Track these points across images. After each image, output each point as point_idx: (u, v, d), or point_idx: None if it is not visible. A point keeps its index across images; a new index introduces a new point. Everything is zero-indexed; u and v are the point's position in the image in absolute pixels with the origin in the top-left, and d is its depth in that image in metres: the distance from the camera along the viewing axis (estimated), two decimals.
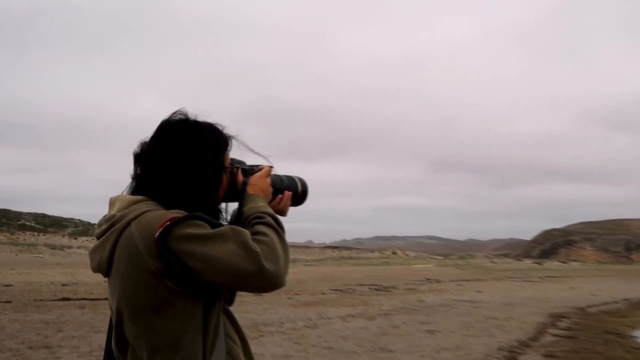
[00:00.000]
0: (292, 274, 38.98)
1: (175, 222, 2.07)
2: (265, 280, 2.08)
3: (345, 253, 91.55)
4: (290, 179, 2.68)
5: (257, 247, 2.08)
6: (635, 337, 17.46)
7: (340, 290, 27.81)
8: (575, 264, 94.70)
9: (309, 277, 36.88)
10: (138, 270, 2.09)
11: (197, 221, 2.10)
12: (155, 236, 2.06)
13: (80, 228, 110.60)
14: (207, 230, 2.09)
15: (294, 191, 2.64)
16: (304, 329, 14.71)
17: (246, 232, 2.12)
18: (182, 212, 2.15)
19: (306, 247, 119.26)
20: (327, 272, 42.66)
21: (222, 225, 2.16)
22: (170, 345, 2.12)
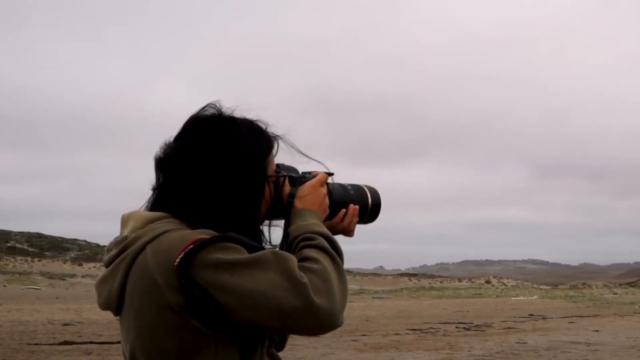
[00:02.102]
0: (359, 308, 39.17)
1: (201, 245, 1.96)
2: (316, 319, 1.94)
3: (425, 282, 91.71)
4: (358, 189, 2.55)
5: (304, 277, 1.95)
6: None
7: (420, 330, 27.76)
8: None
9: (379, 312, 36.96)
10: (155, 307, 1.99)
11: (229, 243, 1.99)
12: (175, 263, 1.95)
13: (86, 252, 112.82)
14: (241, 255, 1.98)
15: (362, 205, 2.51)
16: None
17: (292, 258, 2.00)
18: (211, 232, 2.03)
19: (376, 274, 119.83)
20: (403, 307, 42.71)
21: (262, 248, 2.05)
22: None
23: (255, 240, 2.16)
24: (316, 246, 2.10)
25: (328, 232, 2.21)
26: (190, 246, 1.95)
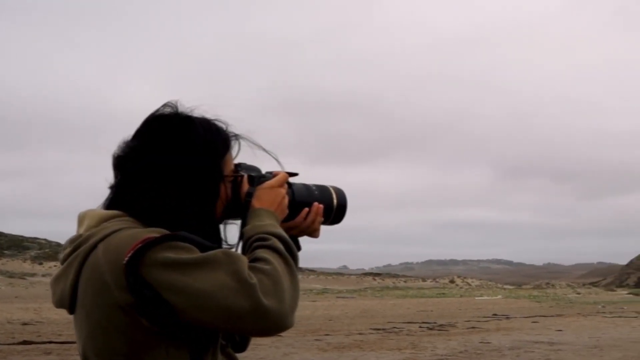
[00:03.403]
0: (322, 308, 39.11)
1: (150, 244, 1.96)
2: (264, 320, 1.96)
3: (389, 282, 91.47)
4: (322, 189, 2.54)
5: (253, 278, 1.95)
6: None
7: (383, 330, 27.76)
8: None
9: (343, 312, 36.93)
10: (105, 306, 1.99)
11: (179, 242, 1.99)
12: (124, 262, 1.94)
13: (46, 250, 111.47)
14: (192, 254, 1.97)
15: (327, 205, 2.49)
16: None
17: (242, 259, 2.01)
18: (163, 231, 2.03)
19: (340, 274, 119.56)
20: (366, 306, 42.66)
21: (214, 248, 2.04)
22: None
23: (210, 239, 2.14)
24: (269, 247, 2.10)
25: (283, 233, 2.20)
26: (140, 245, 1.94)
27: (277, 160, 2.42)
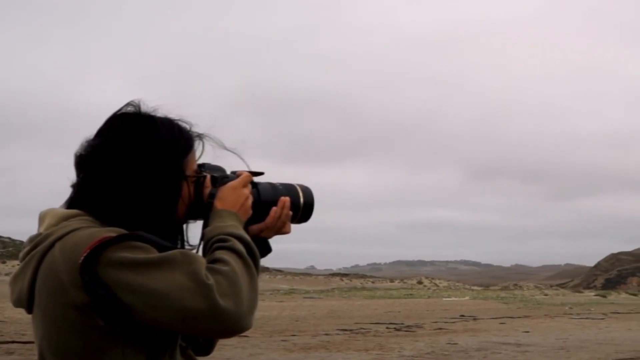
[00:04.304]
0: (289, 308, 39.12)
1: (107, 243, 1.96)
2: (220, 322, 1.96)
3: (357, 282, 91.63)
4: (289, 187, 2.54)
5: (210, 279, 1.95)
6: None
7: (350, 330, 27.71)
8: None
9: (310, 313, 36.91)
10: (61, 305, 1.99)
11: (137, 242, 1.99)
12: (80, 261, 1.94)
13: (10, 249, 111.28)
14: (149, 254, 1.98)
15: (293, 204, 2.50)
16: None
17: (200, 259, 2.02)
18: (122, 230, 2.04)
19: (307, 274, 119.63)
20: (334, 307, 42.68)
21: (172, 248, 2.04)
22: None
23: (170, 239, 2.16)
24: (228, 248, 2.10)
25: (244, 235, 2.20)
26: (96, 244, 1.95)
27: (241, 158, 2.43)
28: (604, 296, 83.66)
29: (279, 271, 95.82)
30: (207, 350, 2.43)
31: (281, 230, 2.48)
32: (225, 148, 2.41)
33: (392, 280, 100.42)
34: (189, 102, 2.31)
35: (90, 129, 2.26)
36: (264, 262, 2.58)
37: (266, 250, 2.50)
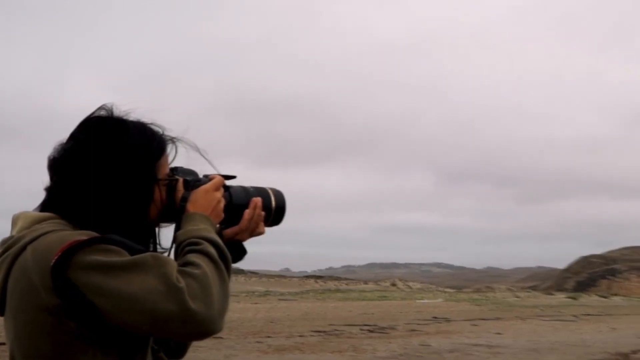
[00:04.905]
0: (264, 310, 39.00)
1: (79, 246, 1.97)
2: (191, 325, 1.97)
3: (331, 284, 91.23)
4: (261, 191, 2.56)
5: (181, 282, 1.96)
6: None
7: (324, 332, 27.67)
8: (617, 298, 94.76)
9: (285, 315, 36.81)
10: (32, 308, 2.00)
11: (109, 245, 2.00)
12: (51, 264, 1.95)
13: None
14: (120, 257, 1.99)
15: (265, 207, 2.52)
16: None
17: (171, 263, 2.03)
18: (93, 233, 2.04)
19: (282, 276, 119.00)
20: (308, 309, 42.54)
21: (144, 251, 2.05)
22: None
23: (141, 242, 2.17)
24: (200, 251, 2.11)
25: (216, 238, 2.21)
26: (68, 247, 1.95)
27: (210, 163, 2.44)
28: (575, 298, 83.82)
29: (254, 273, 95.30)
30: (180, 353, 2.44)
31: (255, 231, 2.49)
32: (198, 150, 2.42)
33: (366, 283, 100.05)
34: (165, 105, 2.33)
35: (63, 132, 2.27)
36: (240, 264, 2.60)
37: (242, 252, 2.53)
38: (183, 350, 2.47)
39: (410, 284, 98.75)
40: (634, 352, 25.73)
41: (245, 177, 2.56)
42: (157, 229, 2.37)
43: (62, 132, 2.27)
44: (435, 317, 39.33)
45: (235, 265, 2.48)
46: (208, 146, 2.40)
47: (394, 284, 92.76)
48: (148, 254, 2.03)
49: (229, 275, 2.17)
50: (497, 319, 41.40)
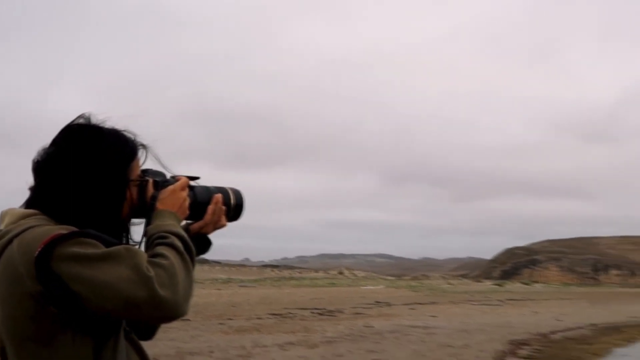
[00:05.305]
0: (226, 295, 38.89)
1: (60, 239, 2.00)
2: (159, 309, 2.01)
3: (286, 273, 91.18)
4: (221, 190, 2.60)
5: (151, 271, 2.00)
6: None
7: (279, 315, 27.72)
8: (538, 285, 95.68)
9: (244, 299, 36.76)
10: (18, 294, 2.02)
11: (86, 239, 2.04)
12: (35, 255, 1.98)
13: None
14: (96, 249, 2.02)
15: (225, 204, 2.56)
16: (236, 359, 14.61)
17: (142, 254, 2.07)
18: (73, 228, 2.07)
19: (242, 265, 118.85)
20: (265, 294, 42.53)
21: (118, 244, 2.09)
22: None
23: (115, 236, 2.20)
24: (167, 244, 2.15)
25: (181, 232, 2.25)
26: (50, 240, 1.99)
27: (167, 172, 2.48)
28: (501, 285, 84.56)
29: (217, 263, 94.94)
30: (149, 335, 2.46)
31: (218, 224, 2.54)
32: (159, 161, 2.45)
33: (316, 271, 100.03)
34: (139, 113, 2.34)
35: (49, 137, 2.30)
36: (205, 255, 2.65)
37: (207, 244, 2.58)
38: (153, 332, 2.48)
39: (356, 272, 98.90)
40: (553, 332, 26.06)
41: (210, 178, 2.59)
42: (129, 225, 2.39)
43: (46, 137, 2.30)
44: (378, 302, 39.46)
45: (201, 256, 2.56)
46: (177, 150, 2.42)
47: (341, 273, 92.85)
48: (122, 246, 2.08)
49: (193, 265, 2.21)
50: (432, 303, 41.62)
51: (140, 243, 2.32)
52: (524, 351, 19.15)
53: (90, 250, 2.01)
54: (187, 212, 2.42)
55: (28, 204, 2.26)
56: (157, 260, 2.07)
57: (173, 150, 2.43)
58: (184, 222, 2.43)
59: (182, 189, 2.42)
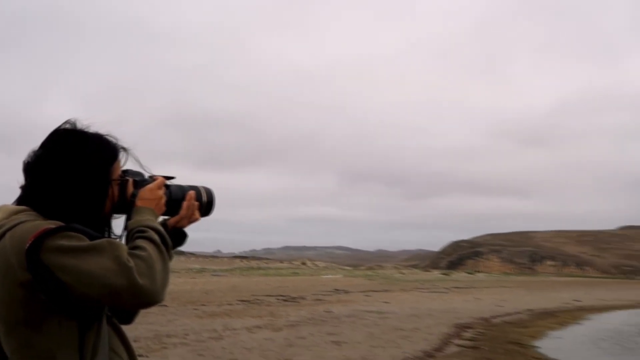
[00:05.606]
0: (200, 284, 38.70)
1: (48, 233, 2.04)
2: (138, 296, 2.06)
3: (254, 263, 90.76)
4: (194, 188, 2.64)
5: (131, 262, 2.06)
6: (536, 347, 18.00)
7: (248, 301, 27.61)
8: (481, 275, 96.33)
9: (216, 287, 36.60)
10: (10, 283, 2.06)
11: (71, 232, 2.08)
12: (26, 247, 2.02)
13: None
14: (81, 242, 2.07)
15: (198, 201, 2.61)
16: (208, 341, 14.58)
17: (122, 246, 2.12)
18: (59, 223, 2.12)
19: (214, 256, 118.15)
20: (235, 283, 42.34)
21: (101, 237, 2.13)
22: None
23: (98, 231, 2.26)
24: (146, 237, 2.21)
25: (158, 227, 2.31)
26: (39, 234, 2.04)
27: (145, 172, 2.53)
28: (447, 275, 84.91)
29: (192, 254, 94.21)
30: (129, 320, 2.50)
31: (192, 218, 2.59)
32: (140, 163, 2.49)
33: (281, 262, 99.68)
34: (124, 118, 2.36)
35: (39, 140, 2.34)
36: (181, 247, 2.70)
37: (183, 237, 2.62)
38: (132, 317, 2.53)
39: (317, 263, 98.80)
40: (493, 317, 26.26)
41: (186, 178, 2.64)
42: (111, 220, 2.43)
43: (36, 141, 2.33)
44: (336, 289, 39.44)
45: (177, 248, 2.61)
46: (157, 152, 2.45)
47: (304, 263, 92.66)
48: (104, 239, 2.12)
49: (169, 256, 2.27)
50: (386, 291, 41.71)
51: (121, 236, 2.38)
52: (467, 334, 19.26)
53: (75, 243, 2.06)
54: (164, 208, 2.48)
55: (19, 200, 2.30)
56: (136, 252, 2.12)
57: (153, 152, 2.45)
58: (161, 218, 2.48)
59: (159, 187, 2.48)
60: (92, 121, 2.38)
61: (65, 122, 2.36)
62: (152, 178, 2.51)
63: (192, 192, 2.58)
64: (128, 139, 2.45)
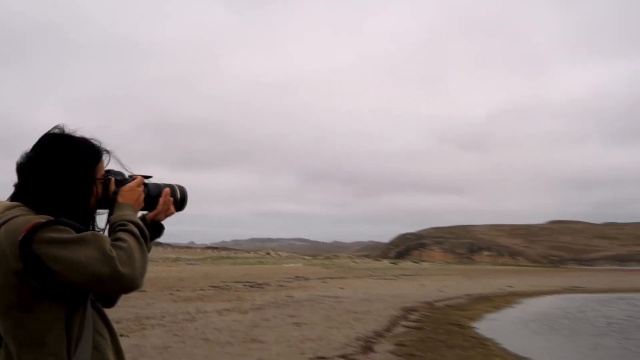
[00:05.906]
0: (175, 272, 38.48)
1: (39, 226, 2.09)
2: (120, 283, 2.11)
3: (224, 253, 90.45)
4: (169, 185, 2.69)
5: (113, 252, 2.10)
6: (473, 327, 18.19)
7: (218, 287, 27.54)
8: (425, 264, 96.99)
9: (190, 275, 36.44)
10: (4, 271, 2.10)
11: (60, 226, 2.12)
12: (19, 239, 2.07)
13: None
14: (69, 234, 2.11)
15: (173, 197, 2.65)
16: (183, 322, 14.52)
17: (106, 238, 2.16)
18: (49, 217, 2.16)
19: (188, 247, 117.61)
20: (207, 271, 42.18)
21: (86, 230, 2.17)
22: (35, 341, 2.13)
23: (84, 224, 2.29)
24: (126, 230, 2.26)
25: (138, 220, 2.36)
26: (31, 227, 2.09)
27: (125, 172, 2.57)
28: (396, 263, 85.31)
29: (168, 245, 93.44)
30: (111, 304, 2.52)
31: (168, 212, 2.64)
32: (121, 163, 2.53)
33: (248, 252, 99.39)
34: (108, 124, 2.37)
35: (31, 143, 2.37)
36: (159, 239, 2.72)
37: (160, 230, 2.66)
38: (114, 301, 2.54)
39: (280, 253, 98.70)
40: (436, 301, 26.49)
41: (163, 177, 2.70)
42: (95, 215, 2.47)
43: (30, 143, 2.36)
44: (297, 277, 39.51)
45: (156, 239, 2.65)
46: (137, 154, 2.46)
47: (268, 253, 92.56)
48: (89, 232, 2.17)
49: (148, 247, 2.33)
50: (341, 277, 41.86)
51: (104, 229, 2.42)
52: (413, 316, 19.40)
53: (64, 235, 2.10)
54: (143, 204, 2.54)
55: (13, 197, 2.33)
56: (118, 243, 2.18)
57: (133, 154, 2.45)
58: (140, 213, 2.53)
59: (138, 185, 2.53)
60: (79, 126, 2.42)
61: (55, 127, 2.39)
62: (132, 177, 2.57)
63: (167, 189, 2.63)
64: (111, 142, 2.49)
